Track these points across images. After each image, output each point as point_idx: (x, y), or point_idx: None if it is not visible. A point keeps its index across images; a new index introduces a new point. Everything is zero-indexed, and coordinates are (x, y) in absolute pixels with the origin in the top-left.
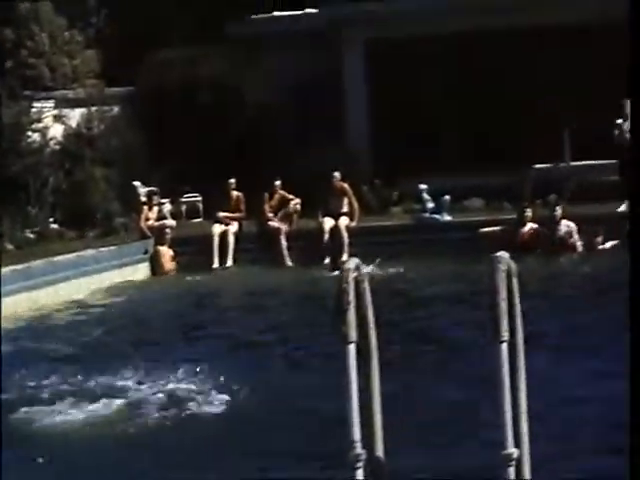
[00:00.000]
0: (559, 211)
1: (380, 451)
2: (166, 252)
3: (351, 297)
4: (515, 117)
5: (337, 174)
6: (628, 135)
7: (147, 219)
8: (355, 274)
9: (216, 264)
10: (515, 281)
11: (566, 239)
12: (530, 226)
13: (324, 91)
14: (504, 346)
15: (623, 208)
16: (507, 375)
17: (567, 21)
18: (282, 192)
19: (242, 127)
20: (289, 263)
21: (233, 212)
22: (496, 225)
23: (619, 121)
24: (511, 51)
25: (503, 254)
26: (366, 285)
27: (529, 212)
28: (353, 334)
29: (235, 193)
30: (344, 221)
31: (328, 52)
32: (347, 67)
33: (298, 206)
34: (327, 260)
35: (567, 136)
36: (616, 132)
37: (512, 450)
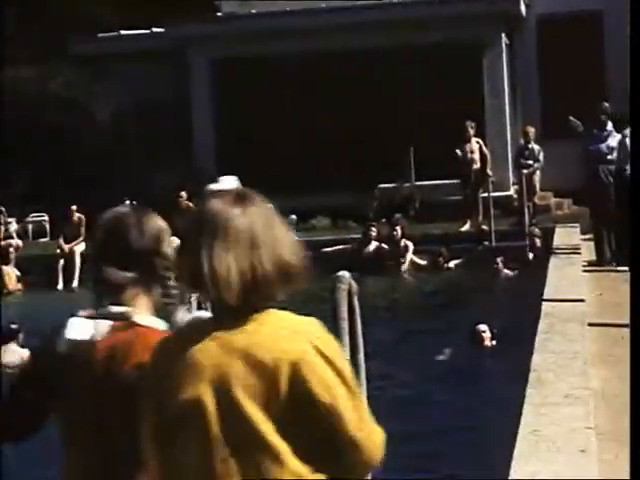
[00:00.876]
0: (400, 230)
1: None
2: (11, 272)
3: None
4: (362, 136)
5: (184, 193)
6: (471, 156)
7: None
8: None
9: (61, 285)
10: (356, 300)
11: (404, 257)
12: (374, 244)
13: (172, 110)
14: None
15: (466, 227)
16: None
17: (418, 41)
18: None
19: (93, 146)
20: None
21: (75, 235)
22: (342, 244)
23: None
24: (358, 70)
25: (344, 273)
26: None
27: (373, 231)
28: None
29: (77, 215)
30: None
31: (175, 71)
32: (193, 86)
33: None
34: None
35: (412, 156)
36: (459, 152)
37: None
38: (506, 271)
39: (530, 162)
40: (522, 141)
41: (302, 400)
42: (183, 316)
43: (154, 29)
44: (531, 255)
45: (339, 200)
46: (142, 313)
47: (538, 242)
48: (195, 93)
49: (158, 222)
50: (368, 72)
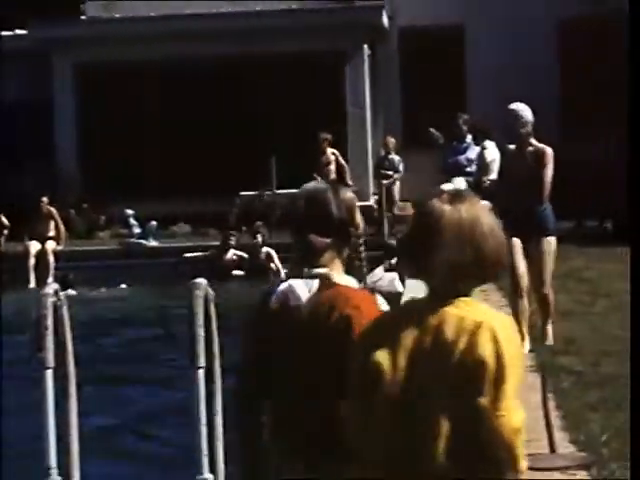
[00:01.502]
0: (260, 238)
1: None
2: None
3: (49, 322)
4: (224, 143)
5: (45, 198)
6: (327, 167)
7: None
8: (54, 299)
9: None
10: (212, 306)
11: (267, 264)
12: (233, 252)
13: (34, 114)
14: (201, 372)
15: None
16: (203, 401)
17: (281, 50)
18: None
19: None
20: None
21: None
22: (202, 250)
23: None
24: (221, 78)
25: (201, 280)
26: (65, 311)
27: (233, 238)
28: (51, 359)
29: None
30: (50, 245)
31: (38, 74)
32: (56, 90)
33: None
34: (32, 284)
35: (274, 164)
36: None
37: (207, 475)
38: None
39: (390, 172)
40: (382, 151)
41: (475, 373)
42: (373, 277)
43: (17, 31)
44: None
45: (200, 207)
46: (338, 274)
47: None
48: (58, 97)
49: (351, 196)
50: (231, 80)
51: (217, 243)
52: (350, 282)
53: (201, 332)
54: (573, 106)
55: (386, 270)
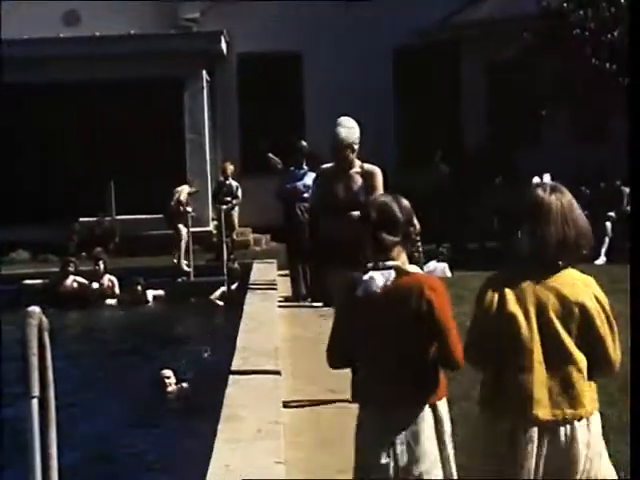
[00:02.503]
0: (102, 264)
1: None
2: None
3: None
4: (63, 169)
5: None
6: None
7: None
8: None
9: None
10: (46, 335)
11: (108, 291)
12: (73, 279)
13: None
14: (34, 402)
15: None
16: (38, 431)
17: (120, 76)
18: None
19: None
20: None
21: None
22: (42, 277)
23: (179, 189)
24: (62, 102)
25: (34, 308)
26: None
27: (72, 265)
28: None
29: None
30: None
31: None
32: None
33: None
34: None
35: (112, 190)
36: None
37: None
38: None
39: (229, 198)
40: (221, 177)
41: (586, 326)
42: (429, 266)
43: None
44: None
45: (39, 233)
46: (405, 264)
47: (236, 277)
48: None
49: (408, 204)
50: (71, 105)
51: (57, 270)
52: (417, 270)
53: (35, 361)
54: (408, 133)
55: (439, 261)
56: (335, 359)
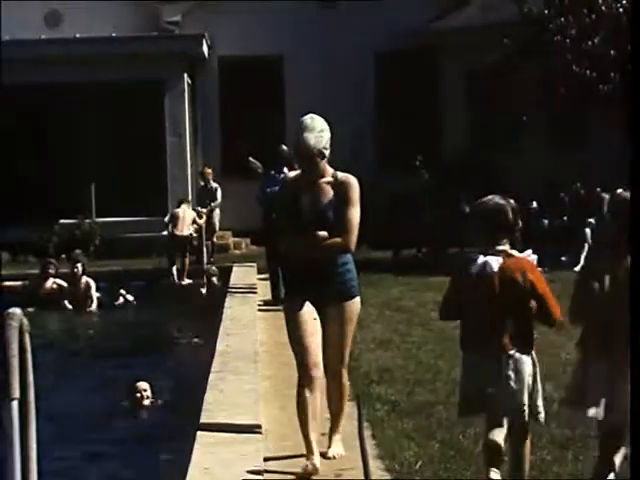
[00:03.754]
0: (80, 267)
1: None
2: None
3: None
4: (43, 170)
5: None
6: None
7: None
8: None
9: None
10: (27, 337)
11: (86, 294)
12: (53, 281)
13: None
14: (15, 404)
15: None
16: (17, 433)
17: (100, 78)
18: None
19: None
20: None
21: None
22: (22, 279)
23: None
24: (41, 104)
25: (15, 310)
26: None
27: (52, 267)
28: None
29: None
30: None
31: None
32: None
33: None
34: None
35: (93, 192)
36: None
37: None
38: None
39: (209, 201)
40: (201, 181)
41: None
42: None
43: None
44: (204, 292)
45: (19, 235)
46: (510, 249)
47: (215, 280)
48: None
49: (515, 204)
50: (50, 107)
51: (37, 271)
52: (521, 255)
53: (15, 363)
54: (388, 138)
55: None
56: (447, 316)
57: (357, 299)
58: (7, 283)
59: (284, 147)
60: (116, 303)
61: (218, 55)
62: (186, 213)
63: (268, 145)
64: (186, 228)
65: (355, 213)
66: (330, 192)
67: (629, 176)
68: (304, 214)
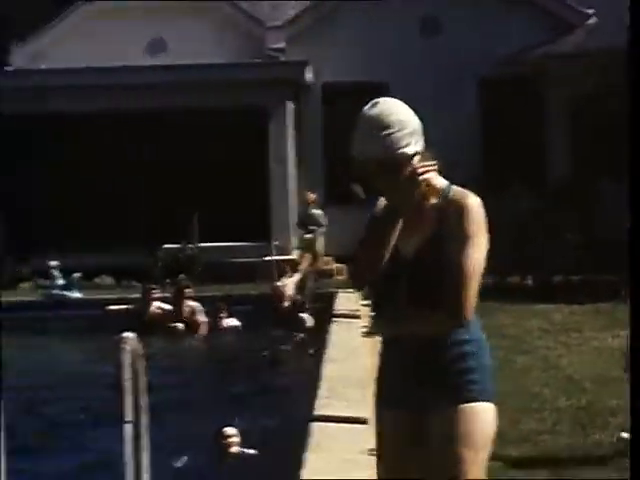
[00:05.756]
0: (186, 291)
1: None
2: None
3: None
4: (147, 196)
5: None
6: None
7: None
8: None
9: None
10: (141, 361)
11: (191, 319)
12: (157, 305)
13: None
14: (128, 427)
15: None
16: (132, 455)
17: (204, 105)
18: None
19: None
20: None
21: None
22: (125, 303)
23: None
24: (147, 131)
25: (129, 334)
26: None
27: (154, 292)
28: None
29: None
30: None
31: None
32: None
33: None
34: None
35: (196, 218)
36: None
37: None
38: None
39: (313, 227)
40: (304, 207)
41: None
42: None
43: None
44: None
45: (123, 260)
46: None
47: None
48: None
49: None
50: (156, 134)
51: (139, 296)
52: None
53: (129, 386)
54: (494, 165)
55: None
56: None
57: (484, 406)
58: (112, 307)
59: None
60: (222, 327)
61: (322, 82)
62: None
63: None
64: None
65: (472, 256)
66: (433, 222)
67: (629, 175)
68: (390, 262)
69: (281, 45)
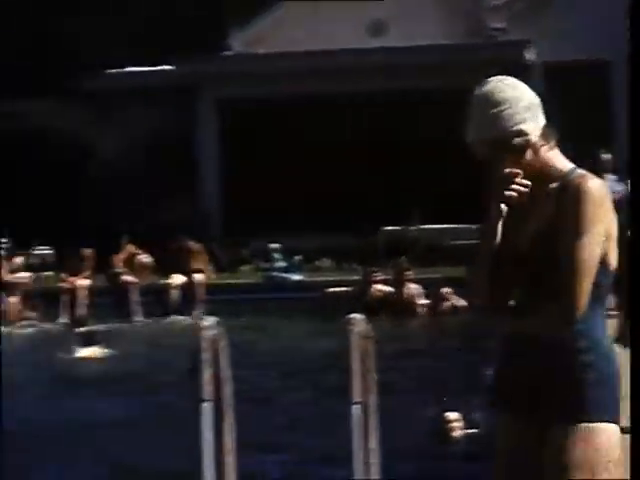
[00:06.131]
0: (407, 273)
1: None
2: (16, 303)
3: (207, 355)
4: (366, 178)
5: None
6: None
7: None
8: (213, 332)
9: (64, 319)
10: (370, 343)
11: (412, 301)
12: (377, 287)
13: (175, 149)
14: (356, 407)
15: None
16: (358, 438)
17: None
18: (131, 247)
19: (96, 184)
20: (138, 317)
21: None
22: (345, 285)
23: None
24: (365, 112)
25: (357, 316)
26: (223, 343)
27: (375, 274)
28: (209, 392)
29: (87, 251)
30: (195, 278)
31: (180, 110)
32: (199, 125)
33: (148, 260)
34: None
35: (417, 200)
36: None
37: None
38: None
39: None
40: None
41: None
42: None
43: (164, 66)
44: None
45: (343, 242)
46: None
47: None
48: (200, 132)
49: None
50: (373, 114)
51: (358, 278)
52: None
53: (357, 367)
54: None
55: None
56: None
57: (601, 427)
58: (330, 289)
59: (607, 155)
60: (441, 308)
61: (542, 61)
62: None
63: (588, 148)
64: None
65: (588, 246)
66: (549, 209)
67: (629, 175)
68: (503, 251)
69: (502, 25)
